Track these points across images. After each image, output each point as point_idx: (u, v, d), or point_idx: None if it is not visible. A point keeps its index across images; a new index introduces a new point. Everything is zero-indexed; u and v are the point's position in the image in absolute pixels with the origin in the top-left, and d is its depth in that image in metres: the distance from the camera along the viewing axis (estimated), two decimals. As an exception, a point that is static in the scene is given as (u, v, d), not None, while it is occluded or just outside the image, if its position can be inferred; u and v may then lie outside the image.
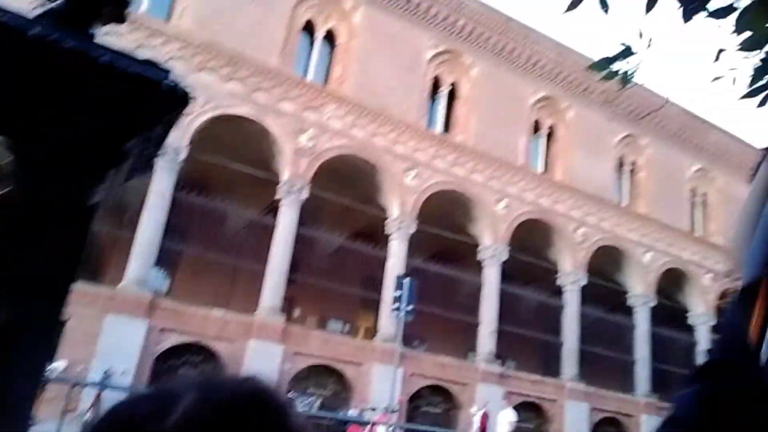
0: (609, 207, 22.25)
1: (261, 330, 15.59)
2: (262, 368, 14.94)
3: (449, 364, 18.25)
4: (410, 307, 12.69)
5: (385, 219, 18.35)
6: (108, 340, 13.51)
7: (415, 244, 18.32)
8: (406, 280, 13.06)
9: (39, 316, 0.94)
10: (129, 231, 15.13)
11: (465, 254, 19.72)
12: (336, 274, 18.48)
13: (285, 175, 16.82)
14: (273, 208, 16.90)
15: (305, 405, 14.62)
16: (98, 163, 1.04)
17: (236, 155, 16.37)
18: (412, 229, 18.25)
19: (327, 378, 16.85)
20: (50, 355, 0.98)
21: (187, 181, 15.90)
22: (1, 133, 0.84)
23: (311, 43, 18.73)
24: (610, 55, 2.72)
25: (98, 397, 10.30)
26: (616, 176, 23.49)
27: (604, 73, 2.74)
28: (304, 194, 16.85)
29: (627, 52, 2.68)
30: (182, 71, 15.63)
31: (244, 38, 16.72)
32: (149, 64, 1.06)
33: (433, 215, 18.41)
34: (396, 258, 17.80)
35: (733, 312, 0.68)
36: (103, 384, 10.76)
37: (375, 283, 17.96)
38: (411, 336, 19.07)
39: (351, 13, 18.91)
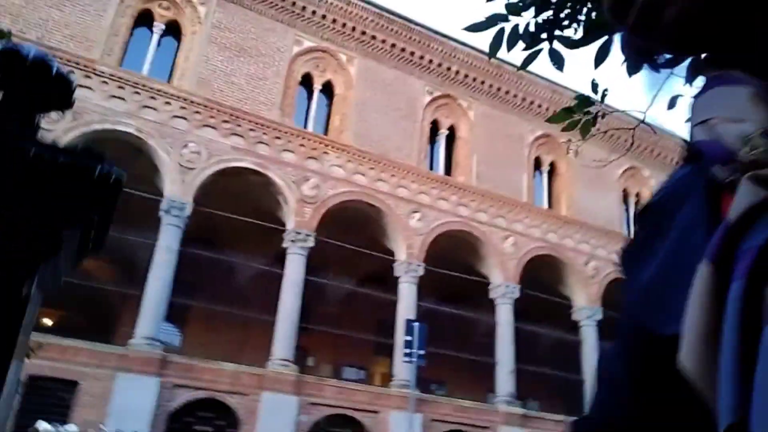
0: (618, 239, 22.04)
1: (274, 382, 15.40)
2: (277, 421, 14.71)
3: (469, 407, 17.87)
4: (422, 352, 12.50)
5: (393, 263, 18.34)
6: (120, 400, 13.39)
7: (425, 286, 18.21)
8: (416, 325, 12.93)
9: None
10: (138, 288, 15.21)
11: (477, 294, 19.54)
12: (348, 320, 18.37)
13: (290, 224, 16.96)
14: (280, 258, 16.98)
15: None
16: (29, 254, 1.08)
17: (241, 207, 16.56)
18: (421, 272, 18.18)
19: (345, 428, 16.52)
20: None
21: (194, 235, 16.06)
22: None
23: (309, 96, 19.20)
24: (571, 105, 2.74)
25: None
26: (622, 209, 23.40)
27: (566, 123, 2.76)
28: (310, 242, 16.93)
29: (586, 102, 2.69)
30: (185, 128, 16.05)
31: (244, 94, 17.19)
32: (82, 153, 1.12)
33: (441, 256, 18.35)
34: (406, 301, 17.67)
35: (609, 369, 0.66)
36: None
37: (388, 327, 17.81)
38: (428, 380, 18.78)
39: (347, 65, 19.44)
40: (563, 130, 2.91)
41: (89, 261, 16.51)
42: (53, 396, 13.09)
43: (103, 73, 15.31)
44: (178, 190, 15.67)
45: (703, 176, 0.59)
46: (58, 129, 13.90)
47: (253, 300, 17.16)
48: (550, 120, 2.91)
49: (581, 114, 2.72)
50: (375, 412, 16.57)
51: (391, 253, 18.54)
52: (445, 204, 19.22)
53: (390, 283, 18.25)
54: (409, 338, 12.69)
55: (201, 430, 14.21)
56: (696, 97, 0.64)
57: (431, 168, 20.15)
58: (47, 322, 16.03)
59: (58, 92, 1.26)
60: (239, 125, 16.85)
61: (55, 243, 1.10)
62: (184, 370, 14.76)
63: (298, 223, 16.94)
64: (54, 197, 1.10)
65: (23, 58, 1.13)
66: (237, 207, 16.45)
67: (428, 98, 20.49)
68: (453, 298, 19.45)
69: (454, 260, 19.13)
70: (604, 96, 2.60)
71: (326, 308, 19.13)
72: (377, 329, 19.07)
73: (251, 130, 16.98)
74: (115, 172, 1.10)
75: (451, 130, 21.08)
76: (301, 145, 17.70)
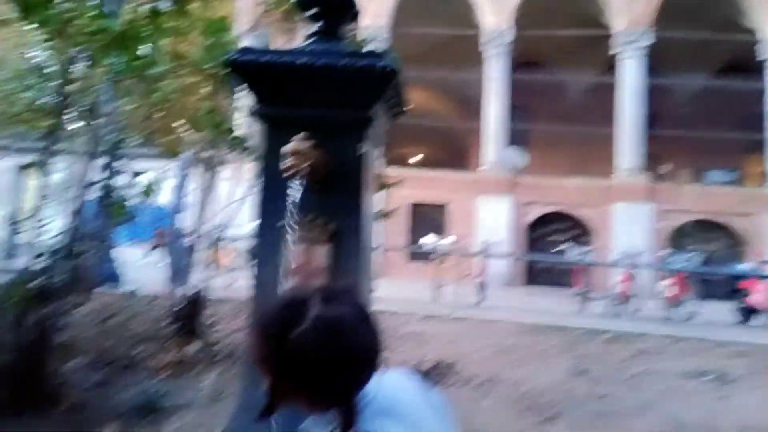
0: None
1: (622, 192, 15.40)
2: (629, 228, 14.92)
3: None
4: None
5: (756, 43, 15.03)
6: (482, 216, 15.66)
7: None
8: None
9: (348, 223, 1.69)
10: (478, 120, 16.64)
11: None
12: (706, 119, 16.31)
13: (620, 25, 15.37)
14: (611, 65, 15.84)
15: (684, 262, 13.97)
16: (357, 128, 1.69)
17: (562, 20, 15.71)
18: (800, 46, 14.48)
19: (711, 233, 15.63)
20: (358, 243, 1.70)
21: (521, 60, 16.24)
22: (305, 129, 1.54)
23: None
24: None
25: (483, 265, 12.27)
26: None
27: None
28: (647, 40, 15.17)
29: None
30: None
31: None
32: (369, 56, 1.61)
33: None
34: (782, 86, 14.59)
35: None
36: (484, 253, 12.70)
37: (759, 121, 15.22)
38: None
39: None
40: None
41: (436, 103, 18.67)
42: (430, 217, 16.18)
43: None
44: (494, 19, 15.82)
45: None
46: None
47: (590, 114, 16.78)
48: None
49: None
50: (747, 215, 15.05)
51: (753, 33, 15.16)
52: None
53: (753, 70, 15.20)
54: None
55: (556, 240, 15.51)
56: None
57: None
58: (416, 159, 19.25)
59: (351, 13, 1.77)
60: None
61: (369, 117, 1.69)
62: (532, 188, 16.03)
63: (629, 21, 15.24)
64: (359, 89, 1.66)
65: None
66: (558, 21, 15.71)
67: None
68: None
69: None
70: None
71: (676, 109, 17.30)
72: (745, 125, 16.44)
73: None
74: (389, 66, 1.59)
75: None
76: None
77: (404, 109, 1.91)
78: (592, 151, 17.44)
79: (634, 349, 5.91)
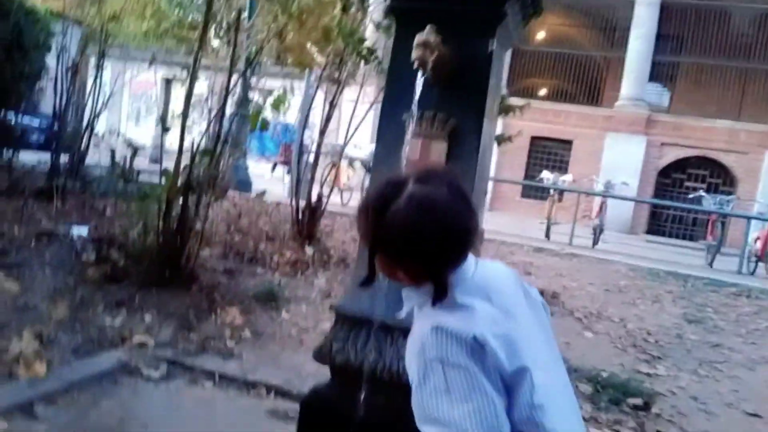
0: None
1: (782, 140, 13.66)
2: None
3: None
4: None
5: None
6: (609, 156, 14.69)
7: None
8: None
9: (468, 123, 1.67)
10: (620, 50, 15.26)
11: None
12: None
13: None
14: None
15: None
16: (488, 24, 1.64)
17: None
18: None
19: None
20: (476, 145, 1.68)
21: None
22: (434, 22, 1.52)
23: None
24: None
25: (603, 204, 11.61)
26: None
27: None
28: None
29: None
30: None
31: None
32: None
33: None
34: None
35: None
36: (606, 194, 11.99)
37: None
38: None
39: None
40: None
41: (571, 29, 17.30)
42: (552, 152, 15.46)
43: None
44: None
45: None
46: None
47: (753, 48, 14.73)
48: None
49: None
50: None
51: None
52: None
53: None
54: None
55: (692, 187, 14.23)
56: None
57: None
58: (542, 91, 18.16)
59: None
60: None
61: (501, 12, 1.63)
62: (672, 128, 14.68)
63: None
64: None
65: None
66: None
67: None
68: None
69: None
70: None
71: None
72: None
73: None
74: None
75: None
76: None
77: (539, 9, 1.82)
78: (750, 91, 15.42)
79: (762, 305, 5.46)
